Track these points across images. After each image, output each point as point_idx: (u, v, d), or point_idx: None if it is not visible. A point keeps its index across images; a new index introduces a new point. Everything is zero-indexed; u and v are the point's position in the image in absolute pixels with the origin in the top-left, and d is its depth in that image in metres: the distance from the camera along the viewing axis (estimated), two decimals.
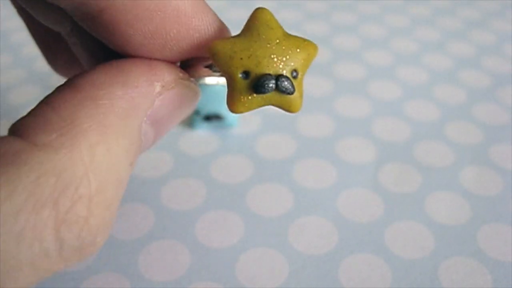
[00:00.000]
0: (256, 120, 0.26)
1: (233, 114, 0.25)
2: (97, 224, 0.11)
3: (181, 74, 0.14)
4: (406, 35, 0.34)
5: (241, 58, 0.13)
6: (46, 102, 0.12)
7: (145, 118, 0.13)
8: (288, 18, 0.36)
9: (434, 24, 0.36)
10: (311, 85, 0.29)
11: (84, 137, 0.11)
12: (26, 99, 0.28)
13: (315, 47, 0.14)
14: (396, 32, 0.35)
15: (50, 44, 0.19)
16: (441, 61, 0.31)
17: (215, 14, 0.14)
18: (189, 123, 0.26)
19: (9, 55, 0.32)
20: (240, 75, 0.13)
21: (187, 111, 0.15)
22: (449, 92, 0.28)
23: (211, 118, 0.25)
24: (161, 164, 0.23)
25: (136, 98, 0.13)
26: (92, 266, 0.19)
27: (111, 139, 0.12)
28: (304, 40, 0.14)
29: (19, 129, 0.11)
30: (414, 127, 0.26)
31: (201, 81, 0.17)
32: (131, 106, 0.12)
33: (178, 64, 0.15)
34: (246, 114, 0.23)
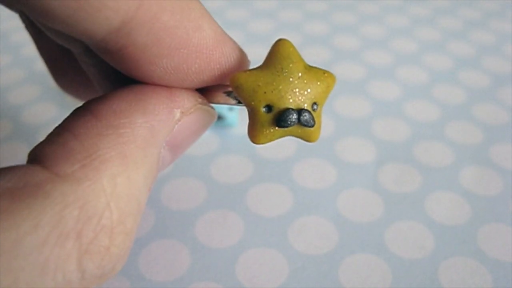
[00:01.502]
0: None
1: (233, 114, 0.25)
2: (117, 253, 0.12)
3: (199, 100, 0.14)
4: (406, 35, 0.34)
5: (265, 92, 0.13)
6: (67, 128, 0.12)
7: (164, 144, 0.13)
8: (288, 18, 0.36)
9: (434, 24, 0.36)
10: None
11: (106, 167, 0.11)
12: (26, 99, 0.28)
13: (333, 78, 0.14)
14: (396, 32, 0.35)
15: (58, 61, 0.19)
16: (441, 61, 0.31)
17: (235, 43, 0.14)
18: None
19: (9, 55, 0.32)
20: (263, 109, 0.13)
21: (203, 133, 0.15)
22: (449, 92, 0.28)
23: None
24: None
25: (156, 126, 0.13)
26: None
27: (131, 169, 0.12)
28: (324, 72, 0.14)
29: (40, 157, 0.11)
30: (414, 127, 0.26)
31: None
32: (151, 135, 0.12)
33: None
34: (246, 115, 0.23)
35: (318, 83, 0.14)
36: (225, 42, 0.14)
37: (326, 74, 0.14)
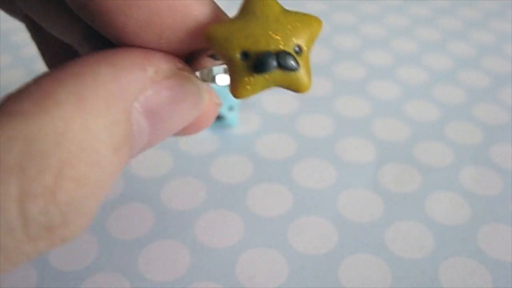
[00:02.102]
0: (256, 120, 0.26)
1: (233, 114, 0.25)
2: (66, 200, 0.11)
3: (180, 65, 0.14)
4: (406, 35, 0.34)
5: (238, 39, 0.12)
6: (34, 79, 0.11)
7: (136, 105, 0.12)
8: None
9: (434, 24, 0.36)
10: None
11: (59, 107, 0.11)
12: None
13: (318, 21, 0.13)
14: (396, 32, 0.35)
15: (60, 63, 0.19)
16: (441, 61, 0.31)
17: (212, 1, 0.13)
18: None
19: (9, 55, 0.32)
20: (239, 56, 0.12)
21: (190, 109, 0.14)
22: (449, 92, 0.28)
23: None
24: (161, 164, 0.23)
25: (124, 79, 0.12)
26: (92, 266, 0.19)
27: (89, 115, 0.11)
28: (306, 14, 0.13)
29: (1, 101, 0.11)
30: (414, 127, 0.26)
31: (211, 82, 0.16)
32: (116, 86, 0.12)
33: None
34: (246, 114, 0.23)
35: (299, 24, 0.13)
36: None
37: (307, 16, 0.13)
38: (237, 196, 0.22)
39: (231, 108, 0.24)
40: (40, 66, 0.31)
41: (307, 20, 0.13)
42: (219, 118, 0.25)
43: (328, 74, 0.30)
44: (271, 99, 0.28)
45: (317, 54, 0.32)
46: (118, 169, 0.12)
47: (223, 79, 0.16)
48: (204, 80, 0.16)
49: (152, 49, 0.13)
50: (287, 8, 0.13)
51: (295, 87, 0.13)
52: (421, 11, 0.38)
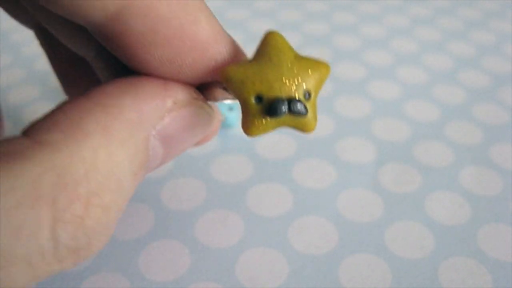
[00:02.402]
0: None
1: (233, 114, 0.25)
2: (92, 226, 0.11)
3: (195, 95, 0.14)
4: (406, 35, 0.34)
5: (254, 83, 0.13)
6: (59, 107, 0.12)
7: (153, 132, 0.13)
8: (288, 18, 0.36)
9: (434, 24, 0.36)
10: None
11: (88, 139, 0.11)
12: (26, 99, 0.28)
13: (327, 67, 0.14)
14: (396, 32, 0.35)
15: (70, 75, 0.19)
16: (441, 61, 0.31)
17: (231, 40, 0.14)
18: None
19: (9, 55, 0.32)
20: (253, 100, 0.13)
21: (201, 133, 0.15)
22: (449, 92, 0.28)
23: None
24: None
25: (145, 110, 0.13)
26: (92, 266, 0.19)
27: (114, 145, 0.12)
28: (316, 61, 0.14)
29: (28, 129, 0.12)
30: (414, 127, 0.26)
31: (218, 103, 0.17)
32: (139, 117, 0.13)
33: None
34: None
35: (310, 71, 0.13)
36: (221, 39, 0.14)
37: (318, 63, 0.14)
38: (237, 196, 0.22)
39: (231, 108, 0.25)
40: (40, 66, 0.31)
41: (317, 66, 0.14)
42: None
43: None
44: None
45: (317, 54, 0.32)
46: (133, 190, 0.13)
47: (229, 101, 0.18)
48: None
49: (171, 79, 0.14)
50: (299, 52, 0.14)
51: (302, 129, 0.14)
52: (421, 11, 0.38)
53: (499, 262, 0.19)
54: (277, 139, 0.25)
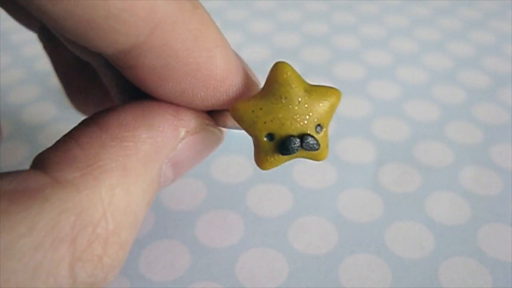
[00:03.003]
0: None
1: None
2: (110, 263, 0.12)
3: (207, 121, 0.15)
4: (406, 35, 0.34)
5: (265, 122, 0.13)
6: (72, 137, 0.12)
7: (166, 161, 0.13)
8: (288, 18, 0.36)
9: (434, 24, 0.36)
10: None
11: (106, 178, 0.12)
12: (26, 99, 0.28)
13: (338, 95, 0.14)
14: (396, 32, 0.35)
15: (73, 79, 0.19)
16: (441, 61, 0.31)
17: (245, 72, 0.14)
18: None
19: (9, 55, 0.32)
20: (265, 138, 0.13)
21: (209, 154, 0.16)
22: (449, 92, 0.28)
23: None
24: None
25: (160, 142, 0.13)
26: None
27: (131, 182, 0.12)
28: (327, 89, 0.14)
29: (42, 162, 0.12)
30: (414, 127, 0.26)
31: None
32: (154, 150, 0.13)
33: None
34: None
35: (321, 104, 0.13)
36: (235, 72, 0.14)
37: (329, 92, 0.14)
38: (237, 196, 0.22)
39: None
40: (40, 66, 0.31)
41: (328, 96, 0.14)
42: None
43: (328, 74, 0.30)
44: None
45: (317, 54, 0.32)
46: (144, 217, 0.13)
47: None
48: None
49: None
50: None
51: (314, 159, 0.14)
52: (421, 11, 0.38)
53: (499, 262, 0.19)
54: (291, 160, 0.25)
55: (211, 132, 0.15)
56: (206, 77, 0.13)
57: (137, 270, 0.19)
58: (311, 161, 0.23)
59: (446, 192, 0.22)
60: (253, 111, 0.13)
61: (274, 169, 0.23)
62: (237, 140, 0.25)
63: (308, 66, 0.31)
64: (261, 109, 0.13)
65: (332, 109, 0.14)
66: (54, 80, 0.30)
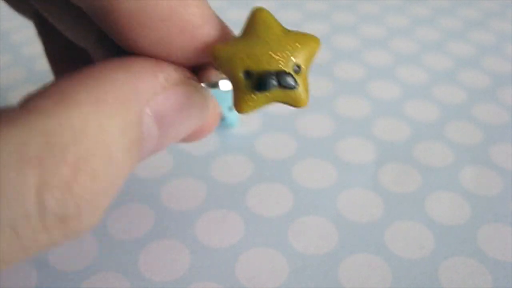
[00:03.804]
0: (256, 120, 0.26)
1: (233, 114, 0.25)
2: (80, 194, 0.11)
3: (188, 75, 0.14)
4: (406, 35, 0.34)
5: (241, 59, 0.13)
6: (53, 81, 0.12)
7: (147, 110, 0.13)
8: (288, 18, 0.36)
9: (434, 24, 0.36)
10: (311, 85, 0.29)
11: (78, 107, 0.11)
12: None
13: (316, 40, 0.14)
14: (396, 32, 0.35)
15: (65, 68, 0.20)
16: (441, 61, 0.31)
17: (219, 21, 0.14)
18: None
19: (9, 55, 0.32)
20: (242, 76, 0.13)
21: (196, 117, 0.15)
22: (449, 92, 0.28)
23: None
24: (161, 164, 0.23)
25: (137, 84, 0.13)
26: (92, 266, 0.19)
27: (104, 115, 0.12)
28: (305, 34, 0.14)
29: (22, 102, 0.12)
30: (414, 127, 0.26)
31: (215, 87, 0.17)
32: (130, 90, 0.12)
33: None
34: (246, 115, 0.23)
35: (298, 45, 0.13)
36: (210, 21, 0.14)
37: (307, 36, 0.14)
38: (237, 196, 0.22)
39: (231, 109, 0.25)
40: (40, 66, 0.31)
41: (306, 40, 0.14)
42: (220, 118, 0.25)
43: (328, 74, 0.30)
44: None
45: (317, 54, 0.32)
46: (129, 169, 0.13)
47: (225, 84, 0.17)
48: (207, 85, 0.16)
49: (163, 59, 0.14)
50: (288, 27, 0.14)
51: (293, 103, 0.14)
52: (421, 11, 0.38)
53: (499, 262, 0.19)
54: (277, 139, 0.25)
55: (194, 87, 0.15)
56: (181, 22, 0.13)
57: (137, 270, 0.19)
58: (310, 161, 0.24)
59: (446, 192, 0.22)
60: (230, 49, 0.13)
61: (274, 168, 0.23)
62: (237, 140, 0.25)
63: None
64: (238, 46, 0.13)
65: (311, 52, 0.14)
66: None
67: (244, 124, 0.26)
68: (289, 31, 0.14)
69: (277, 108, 0.27)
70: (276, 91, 0.13)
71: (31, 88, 0.30)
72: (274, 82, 0.13)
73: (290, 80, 0.13)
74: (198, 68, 0.15)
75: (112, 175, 0.12)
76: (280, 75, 0.13)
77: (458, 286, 0.18)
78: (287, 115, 0.26)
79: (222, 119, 0.25)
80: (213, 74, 0.16)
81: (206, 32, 0.14)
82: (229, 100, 0.24)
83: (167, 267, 0.19)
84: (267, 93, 0.13)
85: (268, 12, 0.14)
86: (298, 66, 0.13)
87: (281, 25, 0.14)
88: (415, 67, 0.31)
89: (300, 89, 0.13)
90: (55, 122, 0.11)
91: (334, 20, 0.36)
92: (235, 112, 0.25)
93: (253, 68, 0.13)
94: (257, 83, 0.13)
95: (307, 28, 0.35)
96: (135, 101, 0.13)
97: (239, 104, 0.13)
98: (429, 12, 0.37)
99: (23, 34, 0.34)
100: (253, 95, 0.13)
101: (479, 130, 0.26)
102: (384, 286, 0.18)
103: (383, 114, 0.27)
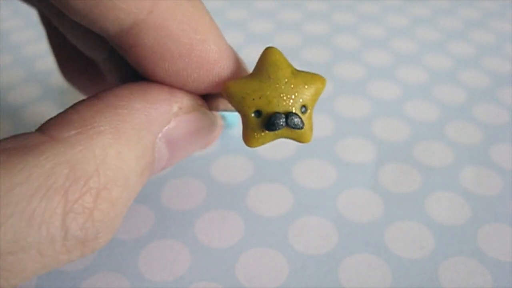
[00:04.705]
0: None
1: (233, 115, 0.25)
2: (100, 219, 0.12)
3: (199, 102, 0.15)
4: (406, 35, 0.34)
5: (253, 99, 0.14)
6: (72, 107, 0.13)
7: (160, 135, 0.14)
8: (288, 18, 0.36)
9: (434, 24, 0.36)
10: None
11: (99, 137, 0.12)
12: (26, 99, 0.28)
13: (323, 81, 0.15)
14: (396, 32, 0.35)
15: (66, 50, 0.20)
16: (441, 61, 0.31)
17: (235, 56, 0.15)
18: None
19: (9, 55, 0.32)
20: (252, 114, 0.14)
21: (204, 138, 0.16)
22: (449, 92, 0.28)
23: None
24: None
25: (153, 114, 0.14)
26: (92, 266, 0.19)
27: (123, 144, 0.13)
28: (312, 75, 0.15)
29: (43, 127, 0.13)
30: (414, 127, 0.26)
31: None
32: (147, 120, 0.13)
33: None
34: None
35: (306, 86, 0.14)
36: (227, 57, 0.15)
37: (314, 77, 0.15)
38: (237, 196, 0.22)
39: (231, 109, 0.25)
40: (40, 66, 0.31)
41: (314, 81, 0.15)
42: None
43: (328, 74, 0.30)
44: None
45: (317, 54, 0.32)
46: (139, 189, 0.14)
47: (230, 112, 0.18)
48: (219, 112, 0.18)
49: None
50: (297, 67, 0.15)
51: (298, 140, 0.15)
52: (421, 11, 0.38)
53: (499, 262, 0.19)
54: (277, 139, 0.25)
55: (204, 114, 0.15)
56: (199, 58, 0.14)
57: (137, 270, 0.19)
58: (310, 161, 0.24)
59: (446, 192, 0.22)
60: (242, 89, 0.14)
61: (274, 168, 0.23)
62: (237, 140, 0.25)
63: (308, 66, 0.31)
64: (250, 87, 0.14)
65: (316, 93, 0.15)
66: (54, 80, 0.30)
67: None
68: (298, 71, 0.15)
69: None
70: (283, 130, 0.14)
71: (31, 88, 0.31)
72: (283, 123, 0.14)
73: (297, 121, 0.14)
74: (208, 96, 0.16)
75: (127, 199, 0.13)
76: (289, 116, 0.14)
77: (458, 286, 0.18)
78: None
79: (222, 119, 0.25)
80: (222, 102, 0.17)
81: (221, 67, 0.14)
82: None
83: (167, 267, 0.19)
84: (275, 132, 0.14)
85: (279, 52, 0.15)
86: (305, 107, 0.14)
87: (291, 65, 0.15)
88: (415, 67, 0.31)
89: (306, 127, 0.14)
90: (79, 153, 0.12)
91: (334, 20, 0.36)
92: (235, 112, 0.25)
93: (264, 109, 0.14)
94: (267, 123, 0.14)
95: (307, 28, 0.35)
96: (150, 130, 0.13)
97: (248, 139, 0.15)
98: (429, 12, 0.37)
99: (23, 34, 0.34)
100: (262, 133, 0.14)
101: (479, 130, 0.26)
102: (384, 286, 0.18)
103: (383, 114, 0.27)
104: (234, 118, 0.25)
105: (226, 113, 0.24)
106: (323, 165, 0.23)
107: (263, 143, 0.15)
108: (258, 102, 0.14)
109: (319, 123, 0.26)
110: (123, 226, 0.20)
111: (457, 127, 0.26)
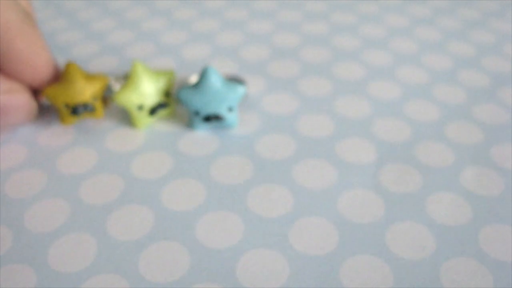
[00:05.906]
0: (255, 121, 0.26)
1: (233, 115, 0.25)
2: None
3: (21, 89, 0.23)
4: (406, 35, 0.34)
5: (62, 97, 0.24)
6: None
7: None
8: (288, 18, 0.36)
9: (434, 24, 0.36)
10: (311, 85, 0.29)
11: None
12: None
13: (104, 79, 0.25)
14: (396, 32, 0.35)
15: None
16: (441, 61, 0.31)
17: (55, 68, 0.24)
18: (189, 124, 0.25)
19: None
20: (64, 106, 0.24)
21: (21, 112, 0.24)
22: (449, 92, 0.28)
23: (211, 118, 0.24)
24: (161, 164, 0.23)
25: None
26: (91, 267, 0.19)
27: None
28: (99, 77, 0.25)
29: None
30: (414, 127, 0.26)
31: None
32: None
33: None
34: (246, 115, 0.24)
35: (93, 84, 0.24)
36: (51, 66, 0.24)
37: (100, 78, 0.24)
38: (237, 197, 0.22)
39: (230, 109, 0.24)
40: None
41: (99, 81, 0.24)
42: (219, 119, 0.24)
43: (328, 74, 0.30)
44: (271, 100, 0.27)
45: (317, 54, 0.32)
46: None
47: (194, 78, 0.28)
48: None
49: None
50: None
51: (94, 117, 0.25)
52: (421, 11, 0.37)
53: (500, 263, 0.19)
54: (277, 140, 0.25)
55: (23, 95, 0.23)
56: (35, 65, 0.23)
57: (136, 271, 0.19)
58: (310, 161, 0.23)
59: (447, 192, 0.22)
60: (54, 92, 0.24)
61: (274, 169, 0.23)
62: (237, 140, 0.25)
63: (308, 66, 0.31)
64: (58, 89, 0.24)
65: (101, 88, 0.24)
66: None
67: (244, 124, 0.26)
68: (88, 76, 0.24)
69: (277, 109, 0.27)
70: (83, 113, 0.25)
71: None
72: (81, 110, 0.24)
73: (89, 108, 0.24)
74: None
75: None
76: (86, 105, 0.24)
77: (459, 287, 0.18)
78: (287, 115, 0.26)
79: (222, 120, 0.25)
80: (41, 97, 0.26)
81: (48, 74, 0.24)
82: (229, 101, 0.24)
83: (167, 268, 0.19)
84: (78, 115, 0.25)
85: (75, 66, 0.24)
86: (95, 97, 0.24)
87: (83, 73, 0.24)
88: (415, 67, 0.31)
89: (96, 110, 0.25)
90: None
91: (334, 20, 0.36)
92: (234, 112, 0.25)
93: (69, 102, 0.24)
94: (73, 111, 0.24)
95: (307, 28, 0.35)
96: None
97: (61, 119, 0.25)
98: (429, 12, 0.37)
99: None
100: (71, 117, 0.25)
101: (480, 130, 0.25)
102: (386, 287, 0.18)
103: (383, 114, 0.27)
104: (234, 118, 0.25)
105: (226, 114, 0.24)
106: (323, 166, 0.23)
107: (71, 123, 0.25)
108: (65, 98, 0.24)
109: (319, 123, 0.26)
110: (123, 227, 0.20)
111: (458, 127, 0.26)
